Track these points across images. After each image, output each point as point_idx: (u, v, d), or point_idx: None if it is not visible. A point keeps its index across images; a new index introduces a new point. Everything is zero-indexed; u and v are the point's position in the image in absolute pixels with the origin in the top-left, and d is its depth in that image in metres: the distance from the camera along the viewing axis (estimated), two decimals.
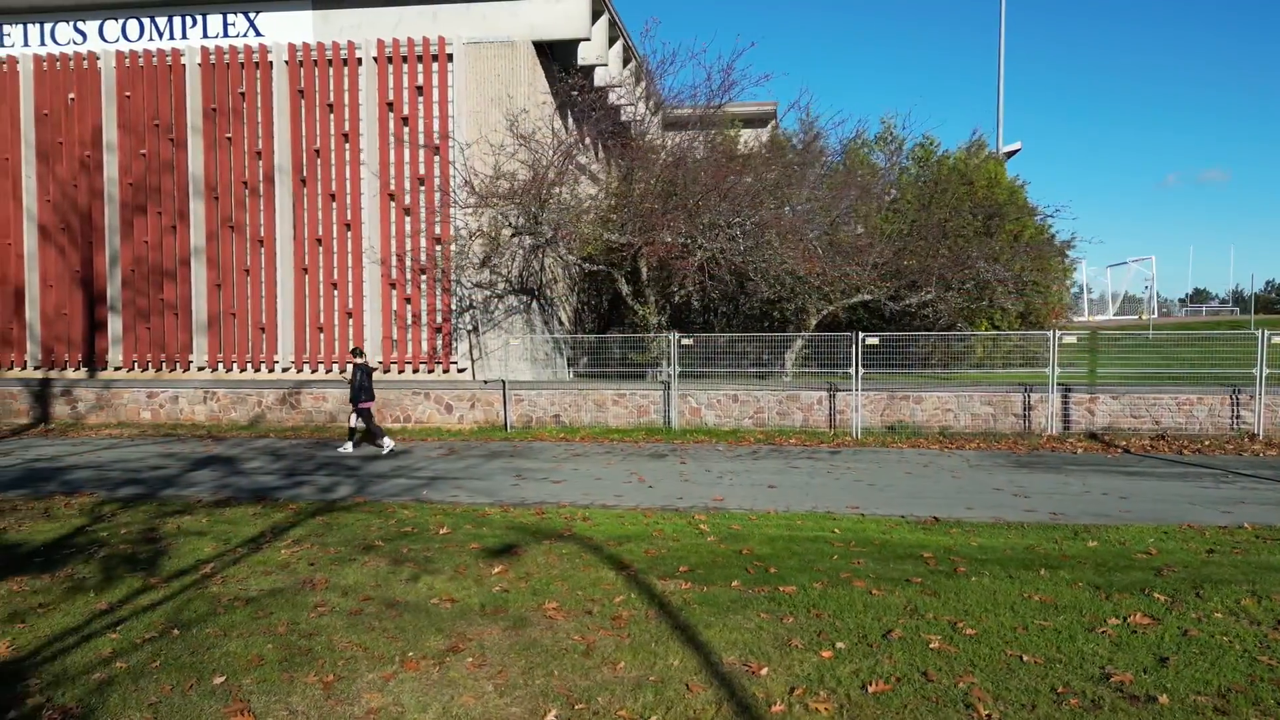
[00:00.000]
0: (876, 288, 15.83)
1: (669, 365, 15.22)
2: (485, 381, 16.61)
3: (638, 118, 22.73)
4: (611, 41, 20.04)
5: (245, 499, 9.84)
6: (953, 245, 16.48)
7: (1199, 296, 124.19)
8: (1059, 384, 14.26)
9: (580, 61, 19.34)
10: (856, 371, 14.43)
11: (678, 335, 15.21)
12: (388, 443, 13.78)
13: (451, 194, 16.68)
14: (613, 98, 21.21)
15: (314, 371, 18.28)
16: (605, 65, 19.68)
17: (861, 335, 14.44)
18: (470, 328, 17.83)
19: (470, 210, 16.25)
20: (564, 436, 14.90)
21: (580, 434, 15.05)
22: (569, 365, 18.56)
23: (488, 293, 17.77)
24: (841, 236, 15.81)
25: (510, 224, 16.24)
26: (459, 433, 15.75)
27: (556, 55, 19.00)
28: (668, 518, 8.73)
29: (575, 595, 6.30)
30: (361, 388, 13.94)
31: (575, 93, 19.95)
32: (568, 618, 5.86)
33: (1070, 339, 14.59)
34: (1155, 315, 63.40)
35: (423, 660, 5.17)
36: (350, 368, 14.41)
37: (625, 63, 21.48)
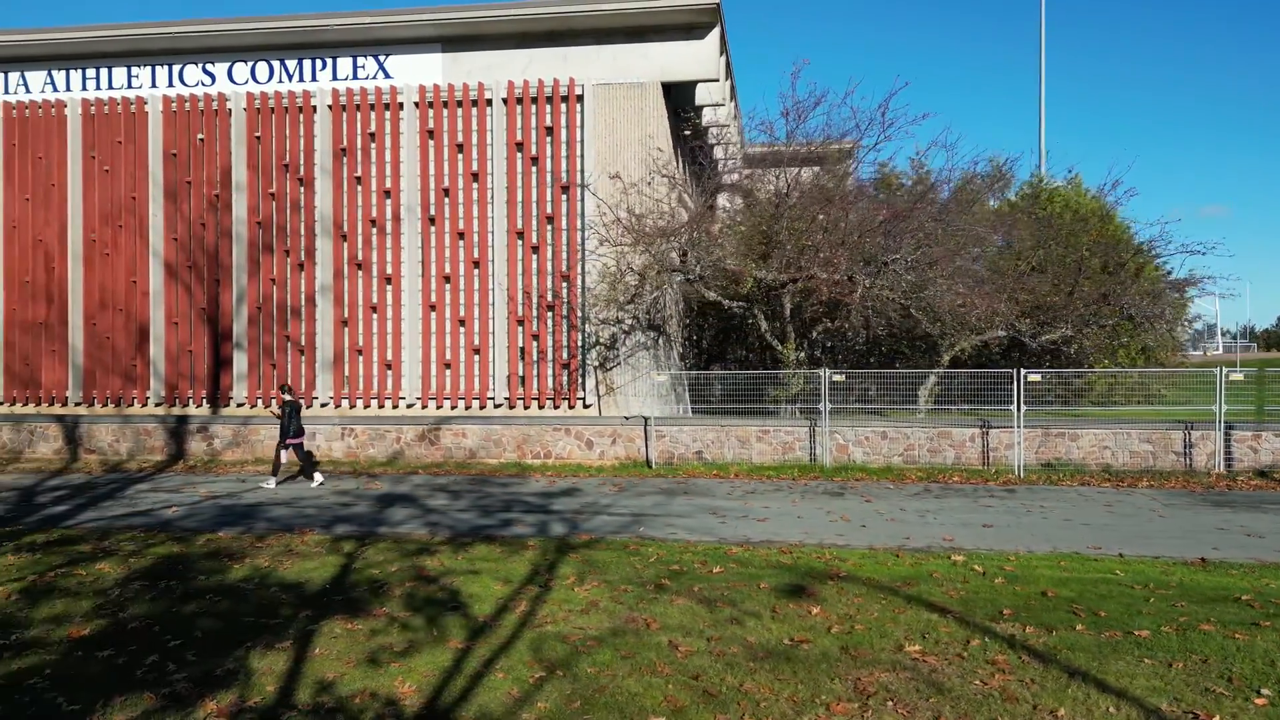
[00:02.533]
0: (1018, 323, 15.84)
1: (820, 402, 15.21)
2: (626, 418, 16.62)
3: (730, 156, 23.08)
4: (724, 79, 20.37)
5: (472, 537, 9.81)
6: (1093, 282, 16.51)
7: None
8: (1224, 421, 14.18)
9: (697, 101, 19.66)
10: (1019, 408, 14.39)
11: (829, 372, 15.22)
12: (319, 478, 14.04)
13: (602, 230, 16.82)
14: (715, 134, 21.52)
15: (439, 407, 18.35)
16: (722, 105, 19.98)
17: (1024, 372, 14.42)
18: (597, 364, 17.90)
19: (626, 248, 16.41)
20: (717, 474, 14.85)
21: (732, 470, 15.01)
22: (691, 401, 18.55)
23: (614, 329, 17.87)
24: (986, 273, 15.85)
25: (657, 261, 16.34)
26: (601, 469, 15.72)
27: (675, 95, 19.29)
28: (924, 559, 8.67)
29: (921, 637, 6.25)
30: (291, 422, 14.13)
31: (687, 132, 20.29)
32: (940, 660, 5.82)
33: (1238, 376, 14.52)
34: (1219, 350, 62.95)
35: (845, 703, 5.12)
36: (282, 404, 14.53)
37: (731, 100, 21.80)
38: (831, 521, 10.71)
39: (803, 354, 16.57)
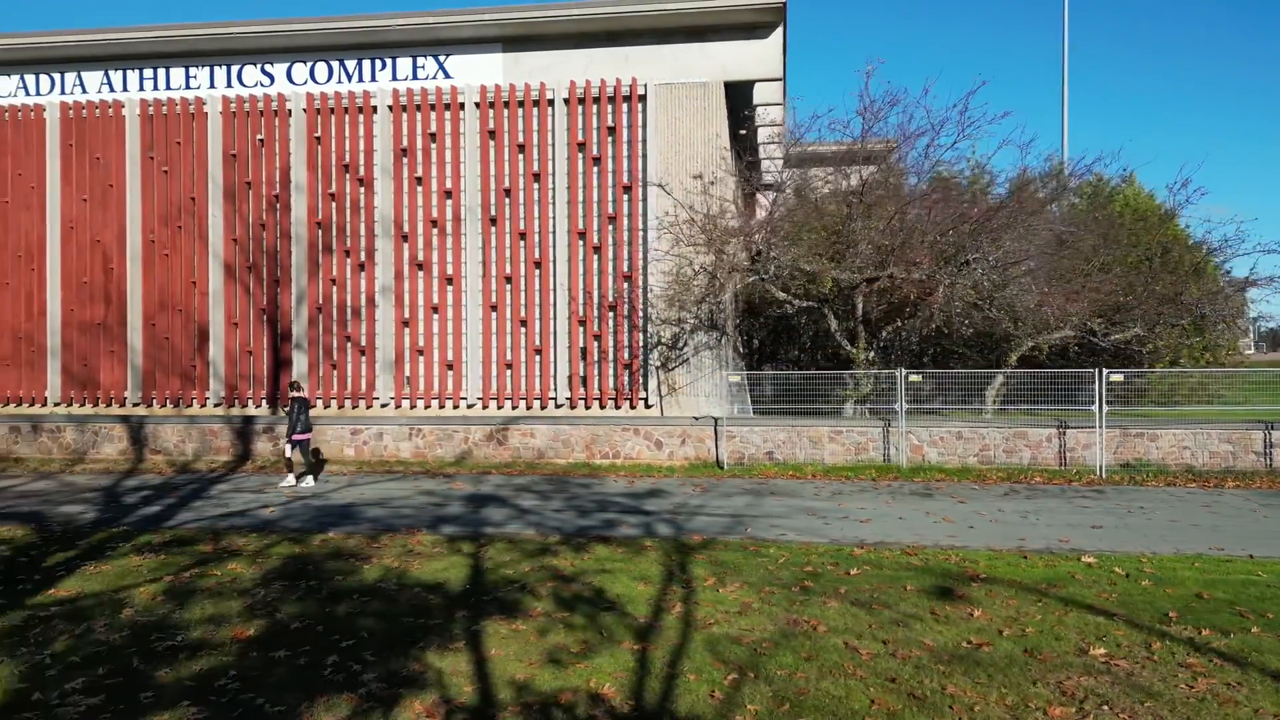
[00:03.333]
0: (1090, 323, 15.76)
1: (894, 402, 15.16)
2: (696, 418, 16.59)
3: (788, 155, 22.99)
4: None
5: (583, 537, 9.77)
6: (1161, 282, 16.44)
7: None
8: None
9: (754, 100, 19.60)
10: (1100, 408, 14.32)
11: (905, 371, 15.16)
12: (295, 480, 14.01)
13: (678, 230, 16.78)
14: (766, 133, 21.44)
15: (499, 408, 18.33)
16: (778, 104, 19.92)
17: (1106, 372, 14.34)
18: (659, 364, 17.87)
19: (698, 247, 16.39)
20: (793, 474, 14.80)
21: (807, 471, 14.96)
22: (750, 401, 18.49)
23: (676, 329, 17.83)
24: (1060, 272, 15.78)
25: (728, 261, 16.30)
26: (671, 469, 15.68)
27: (732, 94, 19.22)
28: (1055, 561, 8.61)
29: (1099, 640, 6.21)
30: (298, 420, 14.11)
31: (743, 131, 20.24)
32: (1131, 663, 5.78)
33: None
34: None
35: (1059, 707, 5.08)
36: (291, 400, 14.58)
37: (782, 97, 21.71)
38: (936, 523, 10.65)
39: (872, 354, 16.49)
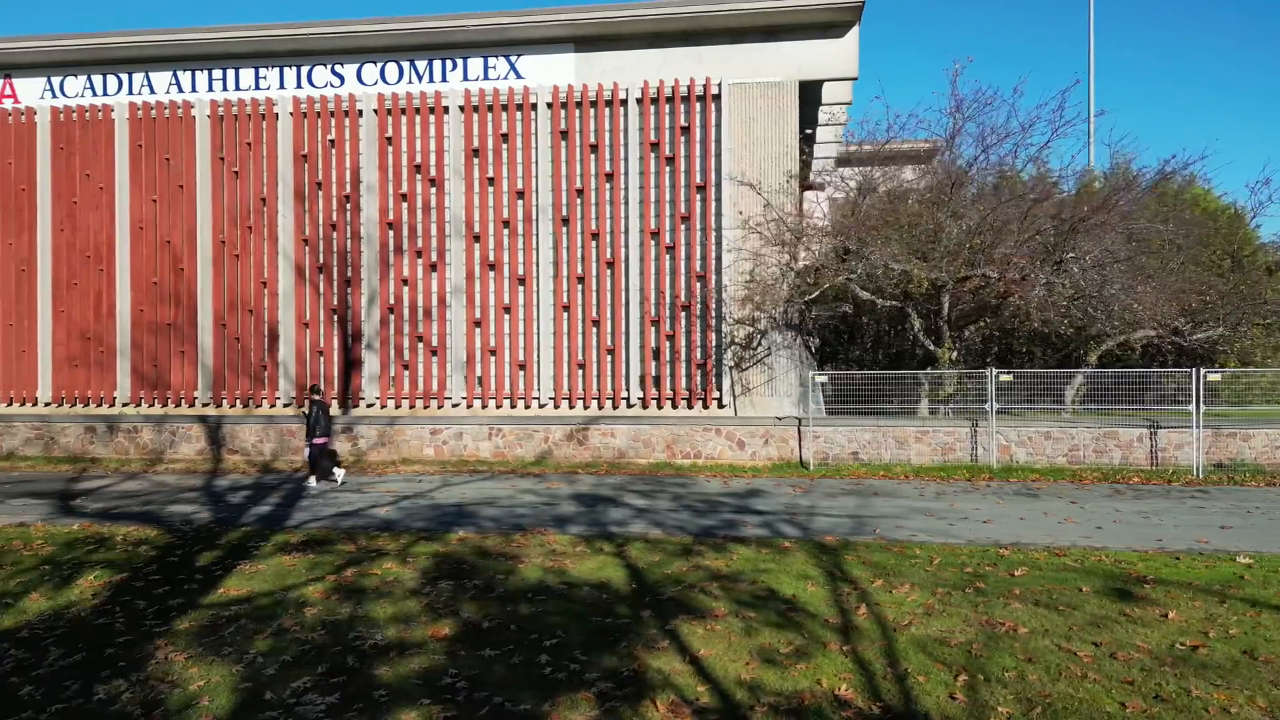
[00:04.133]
0: (1176, 322, 15.69)
1: (985, 401, 15.10)
2: (779, 418, 16.56)
3: (862, 152, 22.91)
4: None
5: (712, 537, 9.74)
6: (1239, 281, 16.36)
7: None
8: None
9: (824, 100, 19.55)
10: (1198, 408, 14.25)
11: (996, 371, 15.11)
12: (316, 481, 14.06)
13: (767, 230, 16.75)
14: (832, 133, 21.40)
15: (571, 407, 18.33)
16: (849, 104, 19.87)
17: (1203, 371, 14.27)
18: (733, 364, 17.84)
19: (776, 248, 16.36)
20: (883, 474, 14.75)
21: (897, 472, 14.91)
22: (824, 400, 18.43)
23: (750, 329, 17.80)
24: (1143, 271, 15.71)
25: (814, 260, 16.27)
26: (755, 469, 15.64)
27: (804, 93, 19.16)
28: (1213, 562, 8.55)
29: None
30: (318, 423, 14.18)
31: (809, 130, 20.19)
32: None
33: None
34: None
35: None
36: (308, 404, 14.65)
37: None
38: (1059, 524, 10.60)
39: (955, 354, 16.43)
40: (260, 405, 19.15)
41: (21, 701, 5.41)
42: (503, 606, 7.17)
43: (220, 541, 9.64)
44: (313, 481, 14.15)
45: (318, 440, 14.36)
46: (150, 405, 19.44)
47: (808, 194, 22.11)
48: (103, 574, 8.18)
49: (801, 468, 15.64)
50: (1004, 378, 15.16)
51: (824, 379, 15.71)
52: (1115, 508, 11.62)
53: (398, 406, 18.71)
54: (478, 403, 18.54)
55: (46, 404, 19.71)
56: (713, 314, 17.91)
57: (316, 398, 14.73)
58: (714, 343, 17.93)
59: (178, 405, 19.38)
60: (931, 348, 16.52)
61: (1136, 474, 14.30)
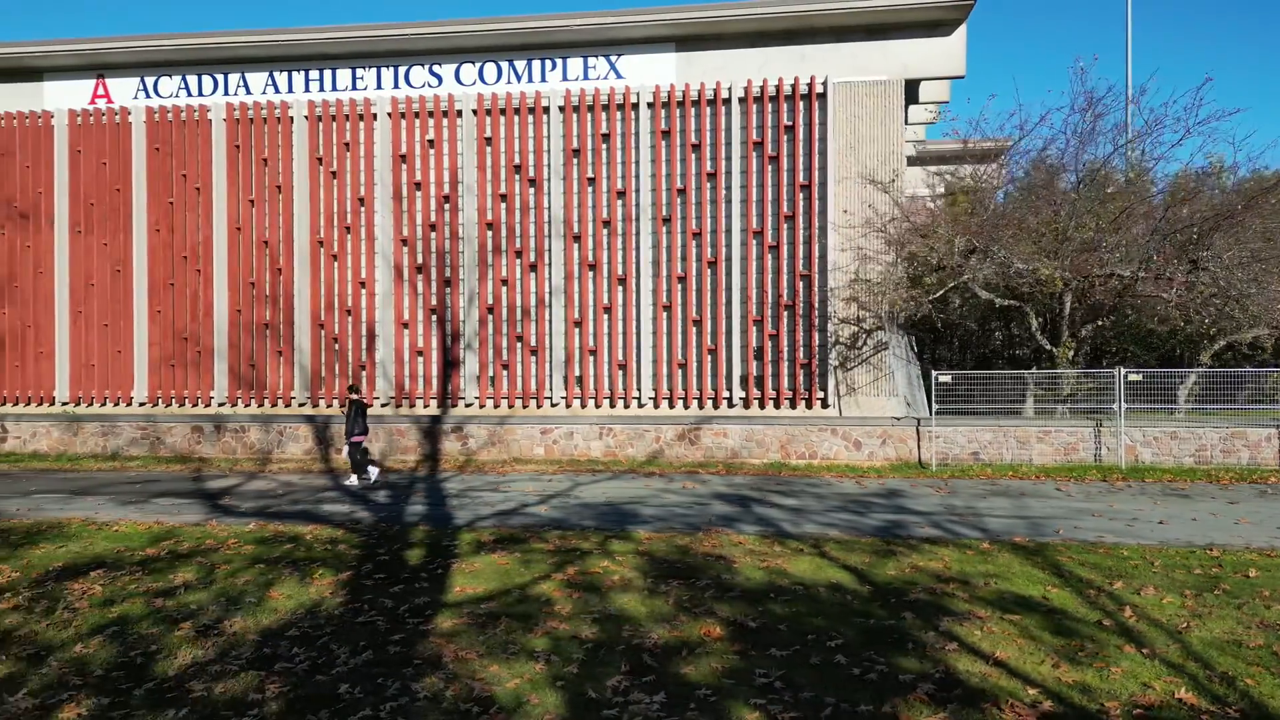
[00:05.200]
0: None
1: (1106, 402, 15.01)
2: (897, 418, 16.49)
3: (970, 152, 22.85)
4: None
5: (893, 537, 9.70)
6: None
7: None
8: None
9: (921, 98, 19.46)
10: None
11: (1124, 371, 15.00)
12: (357, 479, 14.22)
13: (890, 231, 16.72)
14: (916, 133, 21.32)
15: (671, 407, 18.30)
16: (946, 101, 19.78)
17: None
18: (837, 364, 17.77)
19: (895, 246, 16.32)
20: (1011, 474, 14.67)
21: (1024, 472, 14.82)
22: (930, 400, 18.34)
23: (855, 328, 17.73)
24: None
25: (935, 258, 16.20)
26: (873, 469, 15.57)
27: (906, 91, 19.08)
28: None
29: None
30: (355, 422, 14.28)
31: (908, 126, 20.09)
32: None
33: None
34: None
35: None
36: (349, 404, 14.70)
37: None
38: (1235, 524, 10.52)
39: (1072, 353, 16.33)
40: None
41: (347, 700, 5.40)
42: (753, 606, 7.13)
43: (410, 540, 9.64)
44: (353, 479, 14.31)
45: (355, 438, 14.42)
46: (247, 405, 19.50)
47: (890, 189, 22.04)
48: (326, 573, 8.18)
49: (920, 468, 15.56)
50: (1133, 377, 15.05)
51: (947, 378, 15.60)
52: (1277, 508, 11.50)
53: (496, 406, 18.72)
54: (577, 402, 18.53)
55: (142, 404, 19.78)
56: (816, 313, 17.84)
57: (355, 396, 14.82)
58: (818, 342, 17.87)
59: (274, 405, 19.43)
60: (1049, 347, 16.41)
61: (1273, 474, 14.17)
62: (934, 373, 15.64)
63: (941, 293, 16.14)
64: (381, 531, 10.14)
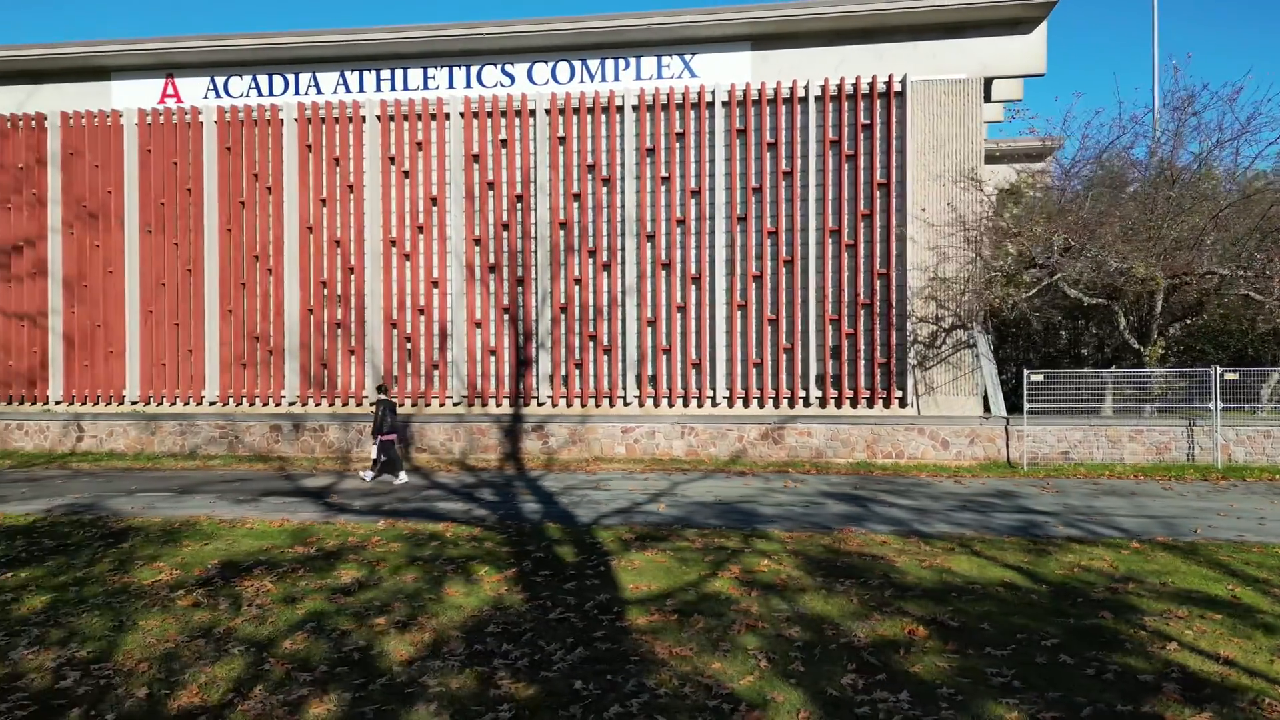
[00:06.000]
0: None
1: (1208, 401, 14.93)
2: (984, 417, 16.43)
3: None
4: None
5: (1028, 536, 9.66)
6: None
7: None
8: None
9: (993, 96, 19.39)
10: None
11: (1221, 370, 14.92)
12: (403, 477, 14.41)
13: (946, 228, 16.67)
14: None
15: (746, 406, 18.27)
16: (1019, 100, 19.71)
17: None
18: (915, 363, 17.72)
19: (980, 245, 16.28)
20: (1107, 474, 14.61)
21: (1118, 471, 14.76)
22: (1023, 400, 18.21)
23: (934, 327, 17.68)
24: None
25: (1024, 258, 16.14)
26: (960, 470, 15.51)
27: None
28: None
29: None
30: (384, 421, 14.34)
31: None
32: None
33: None
34: None
35: None
36: (377, 403, 14.76)
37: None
38: None
39: (1161, 351, 16.25)
40: (430, 404, 19.18)
41: (589, 696, 5.38)
42: (940, 605, 7.10)
43: (550, 538, 9.63)
44: (402, 476, 14.44)
45: (385, 436, 14.48)
46: (318, 405, 19.52)
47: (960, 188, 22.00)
48: (490, 570, 8.18)
49: (1009, 468, 15.50)
50: (1229, 375, 14.97)
51: (1039, 377, 15.54)
52: None
53: (569, 405, 18.71)
54: (650, 401, 18.51)
55: (212, 403, 19.83)
56: (894, 312, 17.79)
57: (384, 396, 14.88)
58: (896, 341, 17.82)
59: (345, 404, 19.45)
60: (1135, 345, 16.34)
61: None
62: (1026, 372, 15.57)
63: (1035, 290, 16.05)
64: (516, 529, 10.13)
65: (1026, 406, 15.50)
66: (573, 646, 6.24)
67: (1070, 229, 15.29)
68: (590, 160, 18.88)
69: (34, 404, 20.31)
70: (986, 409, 17.60)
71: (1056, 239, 15.41)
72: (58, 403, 20.22)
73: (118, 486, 13.96)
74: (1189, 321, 16.58)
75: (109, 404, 20.03)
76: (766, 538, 9.57)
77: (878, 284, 17.95)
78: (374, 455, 14.64)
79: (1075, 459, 15.53)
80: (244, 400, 19.74)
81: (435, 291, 19.26)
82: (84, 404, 20.10)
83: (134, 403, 20.01)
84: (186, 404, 19.93)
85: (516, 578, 7.95)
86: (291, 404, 19.65)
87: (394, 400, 15.29)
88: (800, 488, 13.45)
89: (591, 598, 7.35)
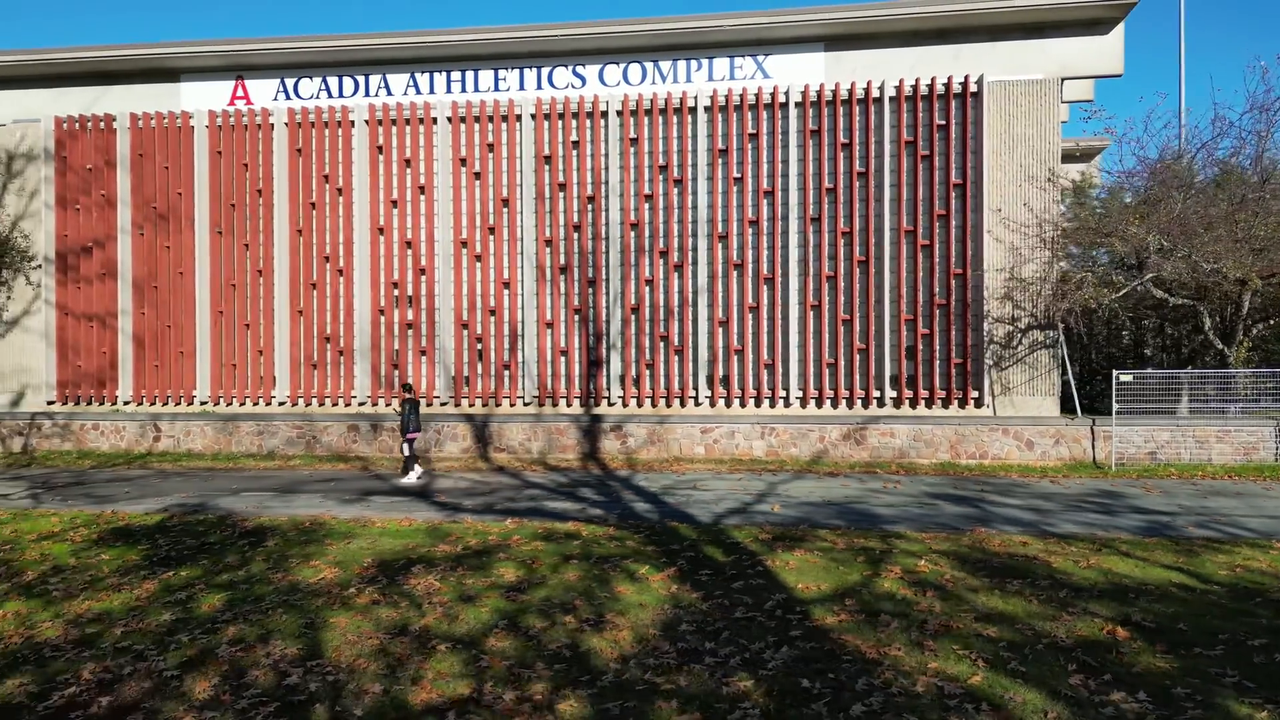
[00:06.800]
0: None
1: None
2: (1071, 418, 16.39)
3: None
4: None
5: (1168, 537, 9.62)
6: None
7: None
8: None
9: (1064, 97, 19.34)
10: None
11: None
12: (415, 476, 14.45)
13: (1024, 228, 16.68)
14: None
15: (819, 406, 18.27)
16: (1091, 101, 19.67)
17: None
18: (992, 363, 17.69)
19: (1046, 245, 16.31)
20: (1201, 474, 14.55)
21: (1210, 472, 14.71)
22: (1112, 400, 18.11)
23: (1009, 327, 17.65)
24: None
25: (1114, 258, 16.12)
26: (1047, 470, 15.48)
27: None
28: None
29: None
30: (409, 420, 14.52)
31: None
32: None
33: None
34: None
35: None
36: (403, 402, 14.87)
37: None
38: None
39: (1245, 351, 16.20)
40: (501, 405, 19.24)
41: (825, 695, 5.40)
42: (1124, 606, 7.11)
43: (687, 537, 9.65)
44: (413, 475, 14.57)
45: (410, 435, 14.60)
46: (388, 405, 19.59)
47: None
48: (651, 570, 8.21)
49: (1096, 468, 15.45)
50: None
51: (1128, 377, 15.50)
52: None
53: (640, 405, 18.75)
54: (722, 402, 18.53)
55: (281, 403, 19.92)
56: (971, 312, 17.77)
57: (408, 395, 14.97)
58: (972, 341, 17.79)
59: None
60: (1219, 345, 16.29)
61: None
62: (1116, 372, 15.53)
63: (1123, 292, 16.03)
64: (646, 528, 10.16)
65: (1115, 407, 15.44)
66: (777, 645, 6.26)
67: (1165, 230, 15.24)
68: (662, 161, 18.92)
69: (102, 404, 20.44)
70: (1063, 409, 17.59)
71: (1152, 239, 15.36)
72: (126, 403, 20.34)
73: (215, 486, 14.04)
74: (1273, 322, 16.51)
75: (178, 404, 20.14)
76: (903, 538, 9.57)
77: (953, 284, 17.93)
78: (406, 454, 14.74)
79: (1162, 459, 15.49)
80: (314, 400, 19.83)
81: (506, 292, 19.32)
82: (153, 404, 20.21)
83: (203, 403, 20.12)
84: (256, 404, 20.02)
85: (678, 576, 7.98)
86: (361, 404, 19.74)
87: (417, 399, 15.31)
88: (900, 489, 13.44)
89: (767, 596, 7.37)
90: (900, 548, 9.07)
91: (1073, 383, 17.06)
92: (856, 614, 6.90)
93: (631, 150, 19.00)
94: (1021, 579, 7.86)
